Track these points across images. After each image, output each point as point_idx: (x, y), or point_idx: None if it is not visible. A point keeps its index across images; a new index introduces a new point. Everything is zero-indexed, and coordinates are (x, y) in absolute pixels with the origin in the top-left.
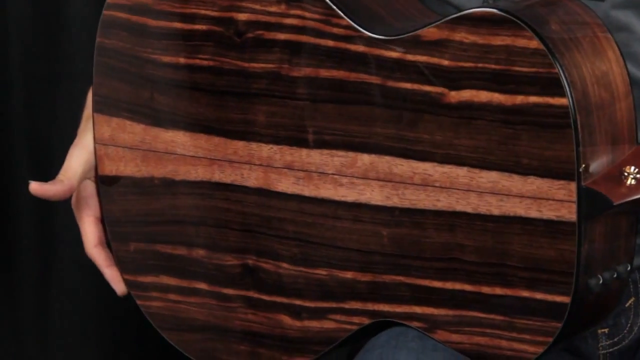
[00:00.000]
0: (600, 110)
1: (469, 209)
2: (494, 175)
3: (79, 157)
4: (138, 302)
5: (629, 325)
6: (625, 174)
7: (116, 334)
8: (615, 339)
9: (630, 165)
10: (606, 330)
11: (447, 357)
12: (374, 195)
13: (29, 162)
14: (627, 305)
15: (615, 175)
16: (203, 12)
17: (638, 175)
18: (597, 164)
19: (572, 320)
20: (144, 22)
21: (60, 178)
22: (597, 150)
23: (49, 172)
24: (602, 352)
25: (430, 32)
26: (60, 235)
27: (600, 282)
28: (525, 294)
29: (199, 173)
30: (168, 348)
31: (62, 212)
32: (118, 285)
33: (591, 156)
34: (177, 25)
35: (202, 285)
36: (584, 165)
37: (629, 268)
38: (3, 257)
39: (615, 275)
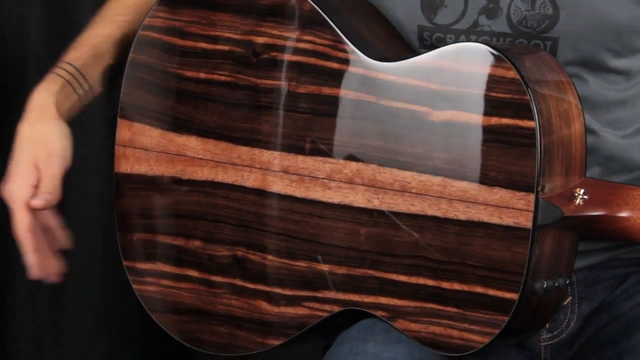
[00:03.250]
0: (559, 140)
1: (439, 214)
2: (464, 185)
3: (60, 167)
4: (134, 286)
5: (566, 320)
6: (576, 194)
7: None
8: (555, 333)
9: (580, 188)
10: (547, 325)
11: (408, 348)
12: (357, 198)
13: None
14: (565, 303)
15: (567, 195)
16: (227, 34)
17: (585, 197)
18: (552, 186)
19: (517, 315)
20: (173, 42)
21: (46, 191)
22: (554, 174)
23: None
24: (543, 344)
25: (423, 60)
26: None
27: (544, 286)
28: (480, 289)
29: (204, 173)
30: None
31: (74, 220)
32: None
33: (548, 178)
34: (202, 45)
35: (194, 273)
36: (541, 185)
37: (567, 282)
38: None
39: (556, 285)
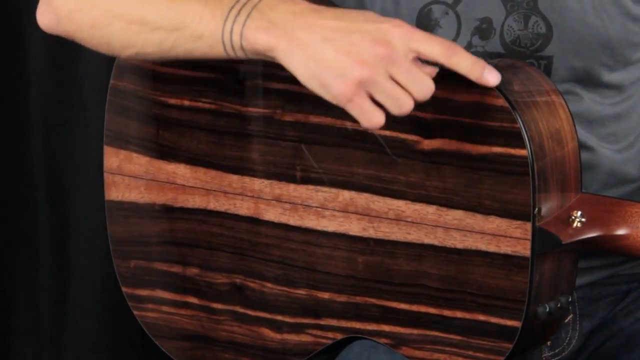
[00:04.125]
0: (553, 161)
1: (436, 242)
2: (459, 214)
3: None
4: (135, 312)
5: (568, 338)
6: (572, 217)
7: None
8: (557, 350)
9: (577, 210)
10: (548, 342)
11: None
12: (352, 226)
13: (47, 196)
14: (566, 321)
15: (564, 218)
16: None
17: (583, 219)
18: (549, 208)
19: (521, 342)
20: (154, 68)
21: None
22: (549, 196)
23: (65, 204)
24: None
25: None
26: (75, 259)
27: (547, 310)
28: (482, 317)
29: (196, 201)
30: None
31: (76, 236)
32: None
33: (544, 201)
34: (184, 72)
35: (194, 300)
36: (537, 209)
37: (569, 299)
38: (25, 275)
39: (558, 305)
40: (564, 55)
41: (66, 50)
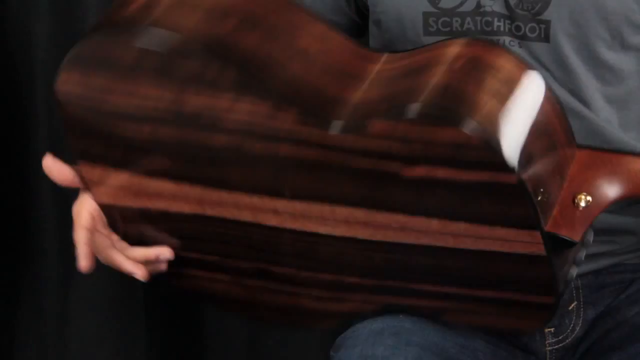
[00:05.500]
0: (544, 160)
1: (449, 245)
2: (464, 226)
3: None
4: (174, 281)
5: (571, 325)
6: (577, 201)
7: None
8: (560, 337)
9: (579, 193)
10: (552, 329)
11: (419, 352)
12: (358, 233)
13: (51, 187)
14: (570, 308)
15: (569, 205)
16: (151, 104)
17: (589, 199)
18: (550, 183)
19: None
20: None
21: None
22: (549, 186)
23: (69, 195)
24: (549, 348)
25: (377, 126)
26: None
27: (576, 271)
28: (514, 297)
29: (191, 208)
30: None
31: None
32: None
33: (544, 182)
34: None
35: (224, 277)
36: (541, 190)
37: (591, 239)
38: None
39: (582, 257)
40: (561, 21)
41: (72, 44)
